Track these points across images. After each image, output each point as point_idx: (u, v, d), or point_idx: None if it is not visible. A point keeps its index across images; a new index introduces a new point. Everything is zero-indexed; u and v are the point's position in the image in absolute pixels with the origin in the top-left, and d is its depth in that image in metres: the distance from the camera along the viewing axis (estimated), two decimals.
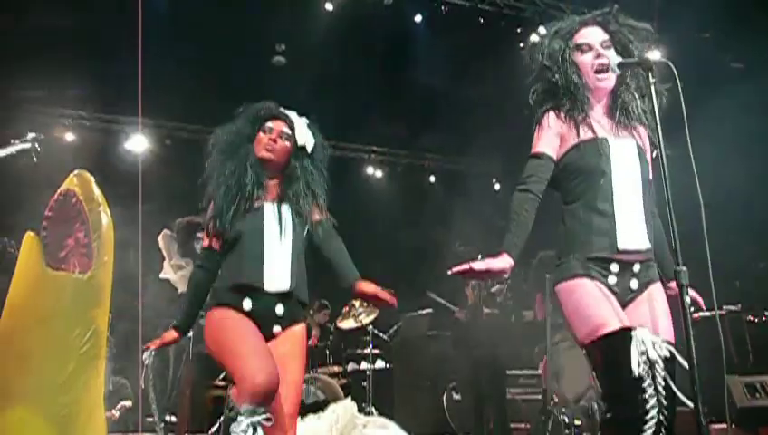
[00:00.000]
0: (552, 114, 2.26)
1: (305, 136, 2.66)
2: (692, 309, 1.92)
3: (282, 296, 2.44)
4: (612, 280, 2.12)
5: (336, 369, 6.57)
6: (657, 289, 2.18)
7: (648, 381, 1.95)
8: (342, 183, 8.99)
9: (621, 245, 2.10)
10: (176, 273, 4.69)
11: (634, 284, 2.14)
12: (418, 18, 7.98)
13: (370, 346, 6.31)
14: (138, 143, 7.96)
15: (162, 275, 4.74)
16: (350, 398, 4.97)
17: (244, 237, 2.44)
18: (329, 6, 7.50)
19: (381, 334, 6.74)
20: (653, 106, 2.03)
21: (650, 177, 2.23)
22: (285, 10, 7.31)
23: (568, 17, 2.39)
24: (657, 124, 2.03)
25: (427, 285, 6.41)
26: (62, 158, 6.23)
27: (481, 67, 7.38)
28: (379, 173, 9.72)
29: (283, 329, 2.47)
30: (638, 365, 1.94)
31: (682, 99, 2.01)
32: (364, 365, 6.47)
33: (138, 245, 3.48)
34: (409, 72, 8.04)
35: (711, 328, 2.02)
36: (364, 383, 6.18)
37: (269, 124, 2.63)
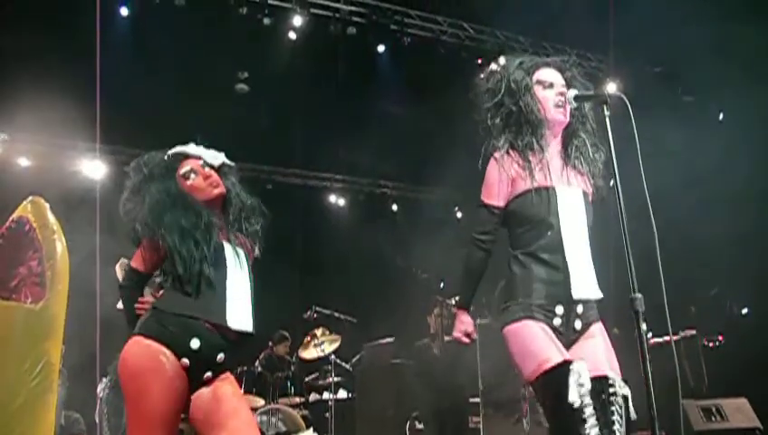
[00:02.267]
0: (506, 156, 2.29)
1: (211, 155, 2.49)
2: (649, 335, 1.97)
3: (234, 342, 2.27)
4: (557, 322, 2.18)
5: (298, 400, 6.46)
6: (598, 327, 2.25)
7: (590, 410, 1.99)
8: (305, 211, 9.02)
9: (576, 295, 2.17)
10: None
11: (578, 324, 2.21)
12: (381, 48, 8.11)
13: (332, 376, 6.23)
14: (96, 169, 7.80)
15: (120, 305, 4.61)
16: (311, 429, 4.90)
17: (209, 277, 2.25)
18: (292, 35, 7.56)
19: (343, 364, 6.66)
20: (608, 137, 2.10)
21: (591, 222, 2.31)
22: (249, 38, 7.33)
23: (529, 55, 2.49)
24: (612, 155, 2.09)
25: (389, 313, 6.38)
26: (16, 183, 6.06)
27: (442, 97, 7.50)
28: (341, 201, 9.72)
29: (214, 377, 2.28)
30: (577, 395, 1.99)
31: (635, 131, 2.08)
32: (326, 395, 6.38)
33: (95, 273, 3.40)
34: (372, 101, 8.13)
35: (667, 353, 2.07)
36: (326, 414, 6.08)
37: (184, 170, 2.41)
